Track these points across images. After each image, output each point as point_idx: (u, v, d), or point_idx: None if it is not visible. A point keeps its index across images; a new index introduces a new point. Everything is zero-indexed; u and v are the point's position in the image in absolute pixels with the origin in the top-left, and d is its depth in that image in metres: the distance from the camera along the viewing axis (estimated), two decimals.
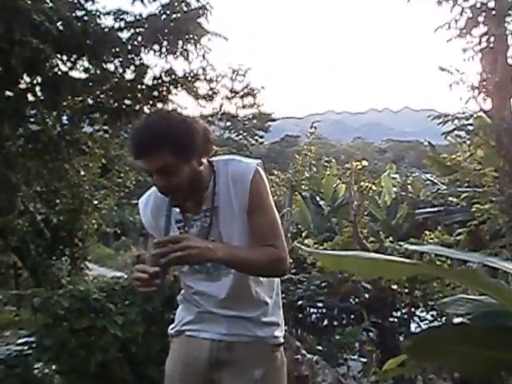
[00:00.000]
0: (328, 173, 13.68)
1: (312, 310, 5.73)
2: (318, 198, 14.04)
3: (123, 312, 3.74)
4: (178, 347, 2.21)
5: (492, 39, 6.86)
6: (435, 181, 13.89)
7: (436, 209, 11.37)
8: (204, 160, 1.99)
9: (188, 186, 1.95)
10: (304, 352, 3.82)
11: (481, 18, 6.92)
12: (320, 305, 5.64)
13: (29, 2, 7.21)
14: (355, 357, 5.38)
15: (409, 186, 14.73)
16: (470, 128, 8.58)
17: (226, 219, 2.04)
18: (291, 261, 5.96)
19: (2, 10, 7.22)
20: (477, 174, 8.52)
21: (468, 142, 9.45)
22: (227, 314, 2.11)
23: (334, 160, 14.63)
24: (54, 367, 3.23)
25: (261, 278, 2.09)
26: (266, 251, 2.00)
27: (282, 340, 2.17)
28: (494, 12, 6.90)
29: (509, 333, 1.76)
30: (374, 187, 7.22)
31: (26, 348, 3.26)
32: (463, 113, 8.58)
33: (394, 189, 14.26)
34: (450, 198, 11.29)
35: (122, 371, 3.59)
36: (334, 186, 13.86)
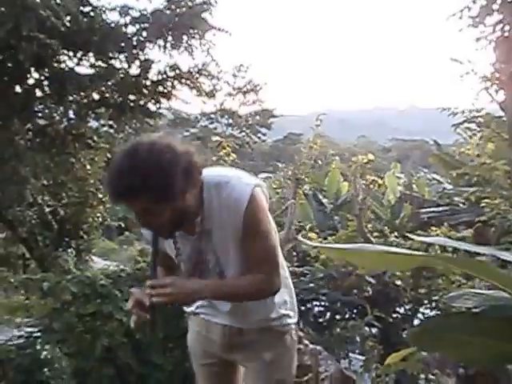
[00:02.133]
0: (331, 168, 13.64)
1: (315, 303, 5.76)
2: (320, 196, 14.01)
3: (128, 299, 3.82)
4: (196, 326, 2.29)
5: (507, 28, 6.66)
6: (441, 180, 13.74)
7: (441, 208, 11.18)
8: (190, 193, 1.85)
9: (172, 222, 1.88)
10: (307, 342, 3.90)
11: (495, 6, 6.73)
12: (323, 298, 5.68)
13: None
14: (357, 353, 5.41)
15: (413, 186, 14.63)
16: (481, 120, 8.38)
17: (221, 241, 2.00)
18: (295, 254, 6.04)
19: (10, 5, 7.33)
20: (487, 168, 8.30)
21: (479, 135, 9.22)
22: (232, 311, 2.15)
23: (337, 157, 14.61)
24: (62, 349, 3.32)
25: None
26: (256, 280, 1.99)
27: (292, 326, 2.22)
28: None
29: (509, 323, 1.81)
30: (379, 181, 7.21)
31: (35, 330, 3.36)
32: (473, 110, 8.37)
33: (399, 188, 14.16)
34: (456, 198, 11.18)
35: (126, 356, 3.68)
36: (337, 183, 13.83)
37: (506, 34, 6.68)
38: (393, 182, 13.85)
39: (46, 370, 3.18)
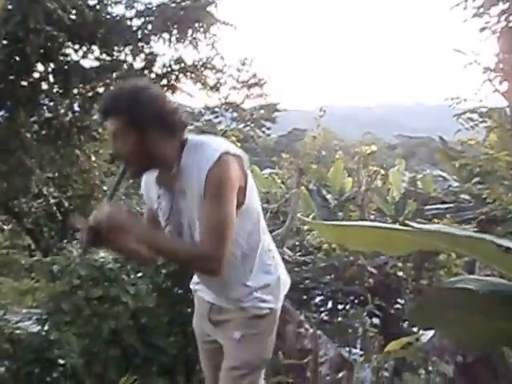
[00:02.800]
0: (336, 164, 13.56)
1: (316, 292, 5.84)
2: (324, 192, 13.91)
3: (135, 283, 3.93)
4: (196, 303, 2.40)
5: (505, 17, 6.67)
6: (447, 177, 13.61)
7: (446, 205, 10.92)
8: (169, 139, 1.98)
9: (139, 157, 1.97)
10: (307, 326, 3.98)
11: None
12: (325, 288, 5.75)
13: None
14: (358, 348, 5.46)
15: (418, 182, 14.48)
16: (483, 110, 8.39)
17: (188, 202, 2.05)
18: (297, 243, 6.11)
19: None
20: (489, 159, 8.29)
21: (481, 125, 9.21)
22: (211, 288, 2.26)
23: (340, 152, 14.57)
24: (70, 330, 3.43)
25: (233, 261, 2.09)
26: (193, 247, 2.02)
27: (267, 310, 2.20)
28: None
29: (508, 302, 1.79)
30: (382, 171, 7.26)
31: (45, 312, 3.46)
32: (476, 100, 8.35)
33: (404, 184, 13.99)
34: (462, 196, 11.03)
35: (131, 339, 3.78)
36: (342, 179, 13.70)
37: (511, 25, 6.69)
38: (397, 179, 13.65)
39: (55, 349, 3.28)
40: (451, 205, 10.84)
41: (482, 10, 6.75)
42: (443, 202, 11.40)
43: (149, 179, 2.18)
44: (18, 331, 3.47)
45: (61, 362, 3.33)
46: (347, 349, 5.34)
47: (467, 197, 10.51)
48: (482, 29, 6.84)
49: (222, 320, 2.26)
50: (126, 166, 2.03)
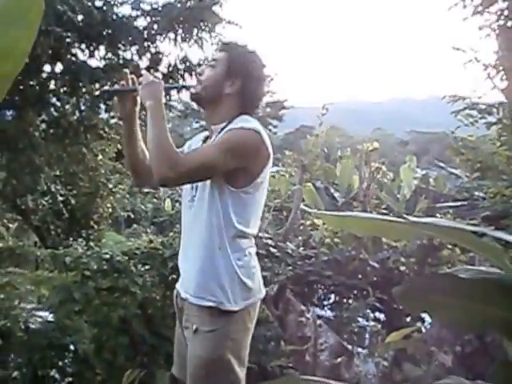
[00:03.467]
0: (343, 161, 13.43)
1: (319, 286, 5.93)
2: (332, 190, 13.75)
3: (142, 274, 4.08)
4: None
5: (509, 15, 6.82)
6: (459, 174, 13.42)
7: (459, 203, 10.77)
8: (237, 100, 2.28)
9: (205, 87, 2.31)
10: (308, 316, 4.12)
11: None
12: (327, 281, 5.85)
13: None
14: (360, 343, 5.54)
15: (430, 180, 14.26)
16: (482, 107, 8.53)
17: None
18: (300, 238, 6.22)
19: None
20: (489, 154, 8.40)
21: (481, 122, 9.32)
22: (182, 266, 2.37)
23: (349, 149, 14.36)
24: (81, 318, 3.58)
25: (208, 233, 2.19)
26: (173, 147, 2.12)
27: (216, 310, 2.18)
28: None
29: (494, 286, 1.88)
30: (383, 168, 7.38)
31: (57, 300, 3.61)
32: (475, 96, 8.48)
33: (415, 182, 13.77)
34: (476, 193, 10.95)
35: (139, 327, 3.92)
36: (349, 177, 13.51)
37: (509, 22, 6.85)
38: (408, 176, 13.40)
39: (67, 336, 3.44)
40: (464, 202, 10.73)
41: (481, 7, 6.86)
42: (455, 200, 11.36)
43: (195, 139, 2.48)
44: (32, 319, 3.63)
45: (72, 348, 3.48)
46: (350, 342, 5.47)
47: (481, 194, 10.40)
48: (481, 27, 6.96)
49: (184, 307, 2.32)
50: (196, 85, 2.34)
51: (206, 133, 2.44)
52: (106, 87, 2.70)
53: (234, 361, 2.16)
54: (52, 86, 9.15)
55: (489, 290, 1.89)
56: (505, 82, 7.00)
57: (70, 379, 3.68)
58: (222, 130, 2.23)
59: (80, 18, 8.16)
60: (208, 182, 2.17)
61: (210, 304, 2.17)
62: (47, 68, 8.87)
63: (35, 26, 1.26)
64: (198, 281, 2.22)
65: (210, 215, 2.17)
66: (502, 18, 6.81)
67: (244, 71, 2.27)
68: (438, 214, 7.55)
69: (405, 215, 1.94)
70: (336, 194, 13.44)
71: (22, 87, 8.59)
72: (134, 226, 24.11)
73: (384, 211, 9.73)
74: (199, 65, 9.45)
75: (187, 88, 2.45)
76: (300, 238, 6.05)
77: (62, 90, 9.12)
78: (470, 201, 10.71)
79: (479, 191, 10.08)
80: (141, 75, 2.35)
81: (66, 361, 3.54)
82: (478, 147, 9.96)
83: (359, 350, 5.25)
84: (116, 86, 2.36)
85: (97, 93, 7.29)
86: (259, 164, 2.19)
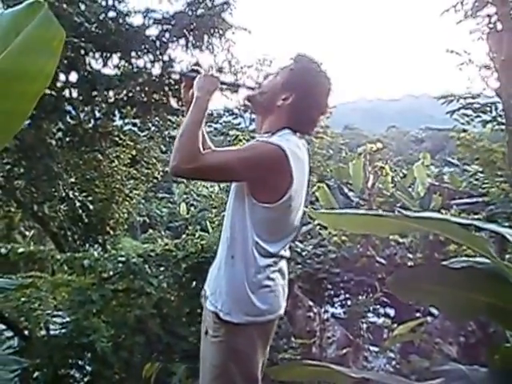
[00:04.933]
0: (354, 162, 13.40)
1: (328, 283, 6.04)
2: (346, 189, 13.66)
3: (157, 275, 4.25)
4: None
5: (496, 18, 7.06)
6: (473, 170, 13.34)
7: (474, 199, 10.55)
8: (285, 118, 2.17)
9: (261, 93, 2.26)
10: (316, 310, 4.26)
11: None
12: (336, 278, 5.95)
13: (64, 6, 7.75)
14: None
15: (445, 177, 14.14)
16: (477, 106, 8.70)
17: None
18: (309, 237, 6.35)
19: None
20: (485, 151, 8.55)
21: (477, 120, 9.48)
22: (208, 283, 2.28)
23: (359, 149, 14.30)
24: (100, 318, 3.76)
25: (231, 243, 2.13)
26: (198, 142, 2.03)
27: (217, 313, 2.12)
28: None
29: (480, 275, 2.01)
30: (387, 167, 7.47)
31: (77, 302, 3.79)
32: (469, 96, 8.70)
33: (429, 179, 13.67)
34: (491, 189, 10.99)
35: (155, 327, 4.09)
36: (362, 176, 13.36)
37: (498, 25, 7.07)
38: (422, 173, 13.26)
39: (86, 336, 3.61)
40: (479, 199, 10.36)
41: (470, 12, 7.08)
42: (470, 196, 11.14)
43: None
44: (52, 320, 3.82)
45: (91, 347, 3.65)
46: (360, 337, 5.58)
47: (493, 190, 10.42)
48: (472, 31, 7.19)
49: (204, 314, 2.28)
50: (255, 90, 2.31)
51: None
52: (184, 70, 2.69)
53: (240, 376, 2.11)
54: (67, 94, 9.41)
55: (475, 279, 2.02)
56: (498, 83, 7.20)
57: (90, 378, 3.85)
58: None
59: (95, 28, 8.40)
60: (236, 190, 2.14)
61: (213, 309, 2.14)
62: (62, 77, 9.13)
63: (57, 54, 1.45)
64: (210, 283, 2.23)
65: (232, 222, 2.14)
66: (492, 21, 7.04)
67: (300, 88, 2.15)
68: (442, 210, 7.61)
69: (398, 209, 2.05)
70: (350, 194, 13.35)
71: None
72: (150, 231, 24.31)
73: (399, 209, 9.65)
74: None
75: (244, 87, 2.46)
76: (309, 236, 6.18)
77: (77, 99, 9.38)
78: (486, 197, 10.61)
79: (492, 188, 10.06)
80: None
81: (85, 360, 3.71)
82: (473, 144, 10.07)
83: (370, 345, 5.36)
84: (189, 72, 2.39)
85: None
86: (281, 182, 2.07)
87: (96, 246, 11.31)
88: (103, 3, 8.91)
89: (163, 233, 20.72)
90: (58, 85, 9.06)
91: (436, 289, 2.09)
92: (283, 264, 2.23)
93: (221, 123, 19.60)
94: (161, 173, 12.30)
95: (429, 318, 5.12)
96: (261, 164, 2.05)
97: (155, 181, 12.58)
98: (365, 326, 5.50)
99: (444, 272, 2.15)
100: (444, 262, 2.27)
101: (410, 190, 13.26)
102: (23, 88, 1.41)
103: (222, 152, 2.11)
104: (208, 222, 10.37)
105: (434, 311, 5.22)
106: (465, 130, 14.21)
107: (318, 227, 6.06)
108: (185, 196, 22.98)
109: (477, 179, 9.67)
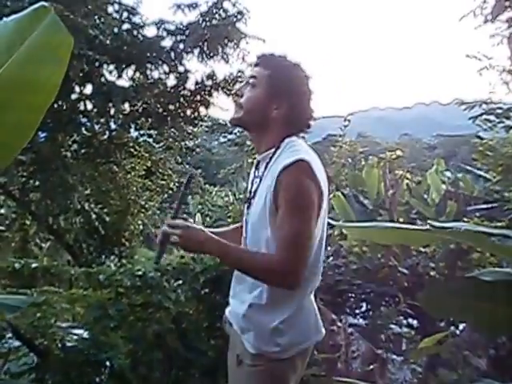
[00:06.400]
0: (368, 170, 13.37)
1: (350, 295, 5.94)
2: (361, 197, 13.63)
3: (175, 289, 4.15)
4: None
5: None
6: (488, 176, 13.26)
7: (490, 205, 10.35)
8: (283, 122, 1.98)
9: (249, 111, 2.00)
10: (339, 324, 4.14)
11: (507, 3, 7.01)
12: (357, 289, 5.84)
13: (79, 19, 7.76)
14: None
15: (460, 183, 14.06)
16: (499, 112, 8.56)
17: (259, 196, 1.98)
18: (329, 248, 6.25)
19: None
20: (510, 157, 8.41)
21: (500, 126, 9.33)
22: (232, 288, 2.18)
23: (373, 158, 14.33)
24: (117, 334, 3.66)
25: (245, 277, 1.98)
26: (265, 259, 1.87)
27: (252, 351, 1.99)
28: None
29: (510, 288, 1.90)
30: (408, 175, 7.35)
31: (93, 317, 3.71)
32: (490, 102, 8.57)
33: (443, 186, 13.59)
34: (506, 194, 10.85)
35: (173, 342, 3.99)
36: (378, 184, 13.37)
37: None
38: (436, 180, 13.23)
39: (103, 352, 3.52)
40: (495, 204, 10.36)
41: (490, 17, 7.00)
42: (486, 202, 10.98)
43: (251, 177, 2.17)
44: (68, 336, 3.73)
45: (108, 364, 3.56)
46: (384, 349, 5.45)
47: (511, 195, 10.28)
48: (492, 35, 7.10)
49: (231, 333, 2.19)
50: (235, 111, 2.05)
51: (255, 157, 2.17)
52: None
53: None
54: (82, 106, 9.43)
55: (506, 291, 1.90)
56: None
57: None
58: (271, 159, 1.98)
59: (110, 40, 8.41)
60: (269, 216, 1.91)
61: (250, 351, 2.03)
62: (77, 89, 9.14)
63: (65, 62, 1.35)
64: (240, 324, 2.10)
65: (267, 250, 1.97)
66: None
67: (290, 91, 1.97)
68: (465, 218, 7.48)
69: (429, 221, 1.95)
70: (366, 202, 13.28)
71: (53, 109, 8.86)
72: None
73: (414, 216, 9.62)
74: (225, 80, 9.61)
75: (189, 184, 2.27)
76: (329, 248, 6.08)
77: (92, 111, 9.39)
78: (501, 202, 10.29)
79: (509, 193, 9.91)
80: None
81: (103, 377, 3.62)
82: (497, 149, 9.91)
83: (394, 357, 5.24)
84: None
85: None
86: (318, 200, 1.90)
87: (112, 257, 11.31)
88: (117, 16, 8.92)
89: None
90: (73, 97, 9.06)
91: (471, 304, 1.99)
92: None
93: (235, 133, 19.60)
94: (176, 184, 12.28)
95: (455, 329, 4.99)
96: (306, 183, 1.85)
97: (170, 192, 12.52)
98: (389, 337, 5.40)
99: (479, 286, 2.04)
100: (473, 274, 2.18)
101: (425, 196, 13.22)
102: (29, 99, 1.32)
103: (290, 239, 1.81)
104: None
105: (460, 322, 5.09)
106: (479, 137, 14.18)
107: (338, 238, 5.95)
108: (200, 206, 22.93)
109: (495, 183, 9.47)
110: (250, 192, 2.08)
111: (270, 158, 1.98)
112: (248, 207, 2.07)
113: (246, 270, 1.90)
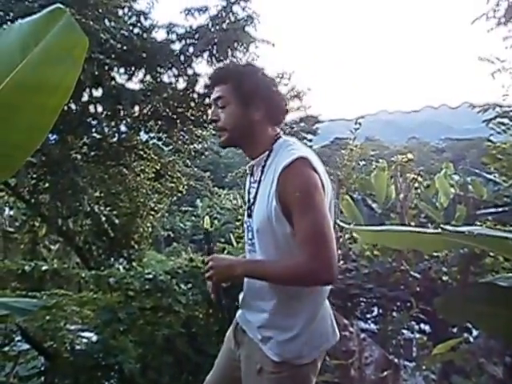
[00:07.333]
0: (375, 173, 13.40)
1: (361, 299, 5.87)
2: (370, 201, 13.59)
3: (185, 293, 4.12)
4: None
5: None
6: (498, 180, 13.19)
7: (500, 209, 10.63)
8: (267, 122, 1.97)
9: (233, 128, 1.96)
10: (352, 330, 4.09)
11: None
12: (369, 294, 5.78)
13: (91, 23, 7.76)
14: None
15: (469, 186, 13.99)
16: None
17: (260, 201, 1.94)
18: (340, 252, 6.20)
19: None
20: None
21: None
22: (245, 299, 2.12)
23: (382, 161, 14.35)
24: (127, 337, 3.63)
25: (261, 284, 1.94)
26: (293, 264, 1.82)
27: (275, 359, 1.94)
28: None
29: None
30: (419, 178, 7.29)
31: (103, 321, 3.67)
32: (504, 105, 8.52)
33: (452, 189, 13.51)
34: None
35: (183, 346, 3.95)
36: (386, 187, 13.39)
37: None
38: (444, 184, 13.15)
39: (113, 356, 3.48)
40: (505, 208, 10.48)
41: (503, 19, 6.97)
42: (496, 206, 11.04)
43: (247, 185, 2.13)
44: (77, 340, 3.71)
45: (118, 367, 3.52)
46: (396, 355, 5.39)
47: None
48: (505, 38, 7.06)
49: (245, 342, 2.12)
50: (219, 135, 2.02)
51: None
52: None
53: None
54: (92, 109, 9.44)
55: None
56: None
57: None
58: (266, 162, 1.96)
59: (120, 44, 8.41)
60: (276, 219, 1.86)
61: (274, 358, 1.99)
62: (88, 92, 9.15)
63: (80, 63, 1.33)
64: (258, 333, 2.06)
65: (279, 256, 1.93)
66: None
67: (258, 92, 1.94)
68: (477, 222, 7.41)
69: (442, 225, 1.90)
70: (374, 205, 13.23)
71: (64, 112, 8.88)
72: (174, 244, 24.31)
73: (423, 220, 9.57)
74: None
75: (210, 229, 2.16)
76: (340, 251, 6.02)
77: (102, 113, 9.40)
78: (511, 206, 10.42)
79: None
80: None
81: (112, 381, 3.59)
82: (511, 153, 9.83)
83: (406, 363, 5.18)
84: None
85: None
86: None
87: (121, 259, 11.31)
88: (128, 20, 8.94)
89: (188, 248, 20.67)
90: (84, 99, 9.08)
91: (488, 310, 1.95)
92: None
93: None
94: (185, 186, 12.27)
95: (468, 335, 4.92)
96: (310, 180, 1.82)
97: (179, 194, 12.51)
98: (401, 343, 5.34)
99: (496, 291, 2.00)
100: (489, 280, 2.14)
101: (433, 200, 13.16)
102: (42, 101, 1.29)
103: (311, 234, 1.78)
104: (232, 235, 10.30)
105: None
106: (490, 140, 14.08)
107: (348, 241, 5.90)
108: (208, 209, 22.97)
109: (508, 187, 9.39)
110: (249, 200, 2.04)
111: (265, 161, 1.96)
112: (249, 215, 2.02)
113: (275, 281, 1.89)
